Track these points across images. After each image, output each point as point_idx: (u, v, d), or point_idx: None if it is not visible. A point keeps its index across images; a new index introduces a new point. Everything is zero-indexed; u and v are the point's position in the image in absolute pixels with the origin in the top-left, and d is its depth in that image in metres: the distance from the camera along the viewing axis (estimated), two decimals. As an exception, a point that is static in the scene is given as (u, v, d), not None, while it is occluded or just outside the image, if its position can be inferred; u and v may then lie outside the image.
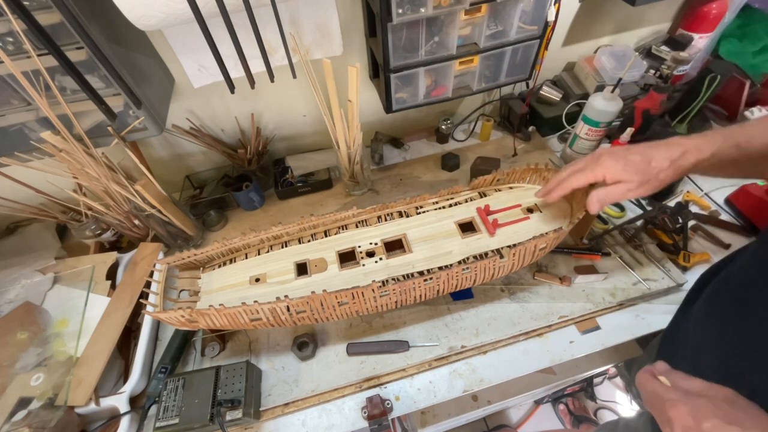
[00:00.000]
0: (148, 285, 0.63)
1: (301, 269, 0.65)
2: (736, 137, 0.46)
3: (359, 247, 0.67)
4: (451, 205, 0.71)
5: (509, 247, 0.60)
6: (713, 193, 0.84)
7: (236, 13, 0.53)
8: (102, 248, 0.85)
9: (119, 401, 0.62)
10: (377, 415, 0.60)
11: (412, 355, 0.66)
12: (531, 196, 0.71)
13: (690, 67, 0.98)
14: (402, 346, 0.66)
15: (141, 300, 0.67)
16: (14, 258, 0.82)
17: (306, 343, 0.67)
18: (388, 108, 0.83)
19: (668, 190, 0.84)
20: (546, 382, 0.96)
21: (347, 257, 0.66)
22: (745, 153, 0.46)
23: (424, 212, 0.71)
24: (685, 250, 0.74)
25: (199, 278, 0.67)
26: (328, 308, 0.58)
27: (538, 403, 1.42)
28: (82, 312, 0.71)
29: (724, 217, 0.80)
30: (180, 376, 0.59)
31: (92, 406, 0.61)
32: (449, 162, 0.94)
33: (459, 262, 0.61)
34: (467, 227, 0.67)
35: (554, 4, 0.72)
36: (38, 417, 0.58)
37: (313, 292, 0.55)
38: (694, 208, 0.81)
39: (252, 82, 0.62)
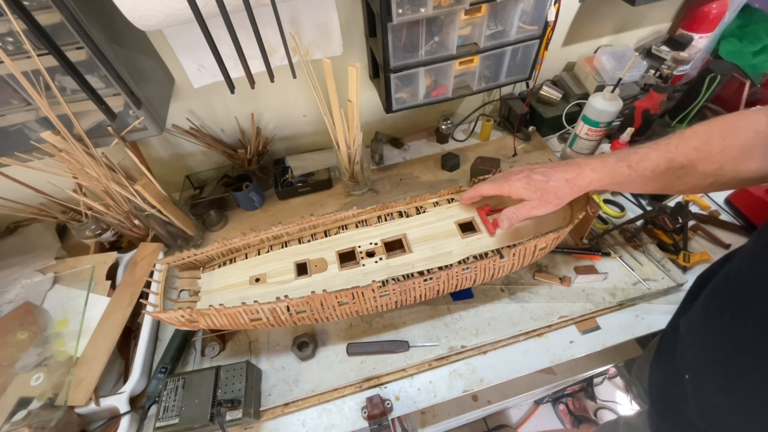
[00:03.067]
0: (148, 285, 0.63)
1: (301, 269, 0.65)
2: (629, 158, 0.52)
3: (359, 247, 0.67)
4: (449, 201, 0.71)
5: (509, 247, 0.60)
6: (713, 193, 0.84)
7: (236, 13, 0.53)
8: (102, 248, 0.85)
9: (119, 401, 0.62)
10: (377, 415, 0.60)
11: (412, 355, 0.66)
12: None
13: (690, 67, 0.98)
14: (402, 346, 0.66)
15: (141, 300, 0.67)
16: (14, 258, 0.82)
17: (306, 343, 0.67)
18: (388, 108, 0.83)
19: (668, 190, 0.84)
20: (546, 382, 0.96)
21: (347, 257, 0.66)
22: (638, 172, 0.52)
23: (424, 212, 0.71)
24: (685, 250, 0.74)
25: (199, 278, 0.67)
26: (328, 308, 0.58)
27: (538, 403, 1.42)
28: (82, 312, 0.71)
29: (724, 217, 0.80)
30: (180, 376, 0.59)
31: (92, 406, 0.61)
32: (449, 162, 0.94)
33: (459, 262, 0.61)
34: (467, 227, 0.67)
35: (554, 4, 0.72)
36: (38, 417, 0.58)
37: (313, 292, 0.55)
38: (694, 208, 0.81)
39: (252, 82, 0.62)
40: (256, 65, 0.61)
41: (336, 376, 0.65)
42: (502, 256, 0.59)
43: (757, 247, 0.41)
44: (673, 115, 0.92)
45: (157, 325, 0.74)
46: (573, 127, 0.90)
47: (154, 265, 0.65)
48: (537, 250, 0.61)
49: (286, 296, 0.55)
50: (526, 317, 0.68)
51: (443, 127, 0.99)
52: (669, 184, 0.53)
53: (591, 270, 0.72)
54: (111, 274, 0.77)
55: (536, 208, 0.56)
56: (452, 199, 0.72)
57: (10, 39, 0.52)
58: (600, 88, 0.87)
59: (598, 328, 0.68)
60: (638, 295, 0.69)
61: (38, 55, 0.52)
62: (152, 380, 0.64)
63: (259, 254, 0.69)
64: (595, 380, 1.41)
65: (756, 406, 0.38)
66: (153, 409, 0.62)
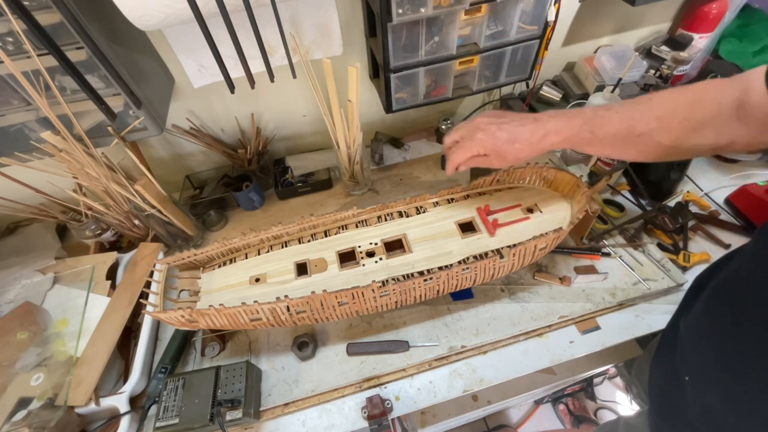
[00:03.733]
0: (148, 285, 0.63)
1: (301, 269, 0.65)
2: (593, 122, 0.53)
3: (359, 247, 0.67)
4: (449, 200, 0.71)
5: (509, 247, 0.60)
6: (713, 193, 0.84)
7: (236, 13, 0.53)
8: (102, 248, 0.85)
9: (119, 401, 0.62)
10: (377, 415, 0.60)
11: (412, 355, 0.66)
12: (531, 196, 0.71)
13: (690, 67, 0.98)
14: (402, 346, 0.66)
15: (141, 300, 0.67)
16: (14, 258, 0.82)
17: (306, 343, 0.67)
18: (388, 108, 0.83)
19: (668, 190, 0.84)
20: (546, 382, 0.96)
21: (347, 257, 0.66)
22: (598, 137, 0.53)
23: (424, 212, 0.71)
24: (685, 250, 0.74)
25: (199, 278, 0.67)
26: (328, 308, 0.58)
27: (538, 403, 1.42)
28: (82, 312, 0.71)
29: (724, 217, 0.80)
30: (180, 376, 0.59)
31: (92, 406, 0.61)
32: (449, 162, 0.94)
33: (459, 262, 0.61)
34: (467, 227, 0.67)
35: (554, 4, 0.72)
36: (38, 417, 0.58)
37: (313, 292, 0.55)
38: (694, 208, 0.81)
39: (252, 82, 0.63)
40: (256, 65, 0.61)
41: (336, 376, 0.65)
42: (502, 256, 0.59)
43: (757, 247, 0.41)
44: (673, 115, 0.92)
45: (157, 325, 0.74)
46: (573, 127, 0.90)
47: (154, 265, 0.65)
48: (537, 250, 0.61)
49: (286, 296, 0.55)
50: (526, 317, 0.68)
51: (443, 127, 0.99)
52: (624, 150, 0.54)
53: (591, 270, 0.72)
54: (111, 274, 0.77)
55: (493, 164, 0.59)
56: (452, 199, 0.73)
57: (10, 39, 0.52)
58: (600, 88, 0.87)
59: (598, 328, 0.68)
60: (638, 295, 0.69)
61: (38, 55, 0.53)
62: (152, 380, 0.64)
63: (259, 254, 0.69)
64: (595, 380, 1.41)
65: (756, 410, 0.38)
66: (153, 409, 0.62)
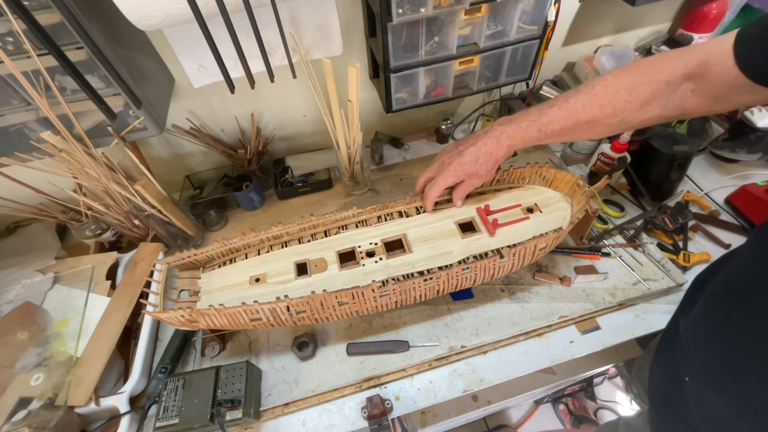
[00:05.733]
0: (148, 285, 0.63)
1: (301, 269, 0.65)
2: (538, 121, 0.57)
3: (359, 247, 0.67)
4: (449, 201, 0.71)
5: (509, 247, 0.60)
6: (713, 193, 0.84)
7: (236, 13, 0.53)
8: (102, 248, 0.85)
9: (119, 401, 0.62)
10: (377, 415, 0.60)
11: (412, 355, 0.66)
12: (531, 196, 0.71)
13: (690, 67, 0.98)
14: (402, 346, 0.66)
15: (141, 300, 0.67)
16: (14, 258, 0.82)
17: (306, 343, 0.67)
18: (388, 108, 0.83)
19: (668, 190, 0.84)
20: (546, 382, 0.96)
21: (347, 257, 0.66)
22: (546, 134, 0.58)
23: (424, 212, 0.71)
24: (685, 250, 0.74)
25: (199, 278, 0.67)
26: (328, 308, 0.58)
27: (538, 403, 1.42)
28: (82, 312, 0.71)
29: (724, 217, 0.80)
30: (180, 376, 0.59)
31: (92, 406, 0.61)
32: (449, 162, 0.94)
33: (459, 262, 0.61)
34: (467, 227, 0.67)
35: (554, 4, 0.72)
36: (38, 417, 0.58)
37: (313, 292, 0.55)
38: (694, 208, 0.81)
39: (252, 82, 0.62)
40: (256, 65, 0.61)
41: (336, 376, 0.65)
42: (502, 256, 0.59)
43: (755, 248, 0.40)
44: (673, 115, 0.92)
45: (157, 325, 0.74)
46: (573, 127, 0.90)
47: (154, 265, 0.65)
48: (537, 250, 0.61)
49: (286, 296, 0.55)
50: (526, 317, 0.68)
51: (443, 127, 0.99)
52: (576, 136, 0.59)
53: (591, 270, 0.72)
54: (111, 274, 0.77)
55: (474, 184, 0.66)
56: (452, 199, 0.72)
57: (10, 39, 0.52)
58: (600, 88, 0.87)
59: (598, 328, 0.68)
60: (638, 295, 0.69)
61: (38, 55, 0.52)
62: (152, 380, 0.64)
63: (259, 254, 0.69)
64: (595, 380, 1.41)
65: (755, 410, 0.38)
66: (153, 409, 0.62)
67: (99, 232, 0.82)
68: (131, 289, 0.74)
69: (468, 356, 0.67)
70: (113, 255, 0.79)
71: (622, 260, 0.74)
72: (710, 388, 0.44)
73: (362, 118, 0.94)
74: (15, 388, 0.62)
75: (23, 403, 0.60)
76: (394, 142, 1.04)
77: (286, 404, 0.64)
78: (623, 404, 1.38)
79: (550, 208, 0.68)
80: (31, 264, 0.80)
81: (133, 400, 0.64)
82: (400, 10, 0.64)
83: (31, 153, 0.64)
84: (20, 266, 0.79)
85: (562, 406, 1.39)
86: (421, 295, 0.62)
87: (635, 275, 0.71)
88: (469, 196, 0.73)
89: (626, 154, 0.81)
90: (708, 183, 0.86)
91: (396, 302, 0.61)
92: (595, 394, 1.40)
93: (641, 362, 0.76)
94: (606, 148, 0.82)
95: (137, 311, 0.73)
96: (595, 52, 0.99)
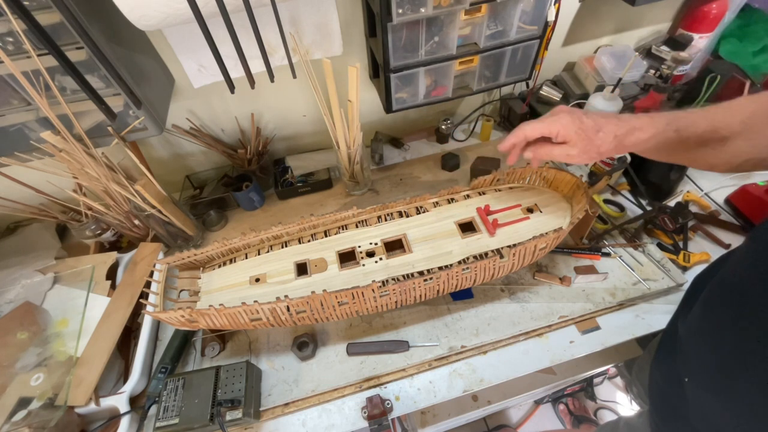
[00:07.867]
0: (148, 285, 0.63)
1: (301, 269, 0.65)
2: (678, 122, 0.49)
3: (359, 247, 0.67)
4: (449, 201, 0.71)
5: (509, 247, 0.60)
6: (713, 193, 0.84)
7: (236, 13, 0.53)
8: (102, 248, 0.85)
9: (119, 401, 0.62)
10: (377, 415, 0.60)
11: (412, 355, 0.66)
12: (531, 196, 0.71)
13: (690, 67, 0.98)
14: (402, 346, 0.66)
15: (141, 300, 0.67)
16: (14, 258, 0.82)
17: (306, 343, 0.67)
18: (388, 108, 0.83)
19: (668, 190, 0.84)
20: (546, 382, 0.96)
21: (347, 257, 0.66)
22: (682, 138, 0.48)
23: (424, 212, 0.71)
24: (685, 250, 0.74)
25: (199, 278, 0.67)
26: (328, 308, 0.58)
27: (538, 403, 1.42)
28: (82, 312, 0.71)
29: (724, 217, 0.79)
30: (180, 376, 0.59)
31: (92, 406, 0.61)
32: (449, 162, 0.94)
33: (459, 262, 0.61)
34: (467, 227, 0.67)
35: (554, 4, 0.72)
36: (38, 417, 0.58)
37: (313, 292, 0.55)
38: (694, 208, 0.81)
39: (252, 82, 0.62)
40: (256, 65, 0.61)
41: (336, 376, 0.65)
42: (502, 256, 0.59)
43: (753, 248, 0.40)
44: (673, 115, 0.92)
45: (157, 325, 0.74)
46: (573, 127, 0.90)
47: (154, 265, 0.65)
48: (537, 250, 0.61)
49: (286, 296, 0.55)
50: (526, 317, 0.68)
51: (443, 127, 0.99)
52: (704, 156, 0.50)
53: (591, 270, 0.72)
54: (111, 274, 0.77)
55: (574, 156, 0.52)
56: (452, 199, 0.72)
57: (10, 39, 0.52)
58: (600, 88, 0.87)
59: (598, 328, 0.68)
60: (638, 295, 0.69)
61: (38, 55, 0.53)
62: (152, 380, 0.64)
63: (259, 254, 0.69)
64: (595, 380, 1.41)
65: (754, 411, 0.38)
66: (153, 409, 0.62)
67: (99, 232, 0.82)
68: (131, 289, 0.74)
69: (468, 356, 0.67)
70: (113, 255, 0.79)
71: (622, 260, 0.74)
72: (709, 389, 0.44)
73: (362, 118, 0.94)
74: (15, 388, 0.62)
75: (23, 403, 0.60)
76: (394, 142, 1.04)
77: (286, 404, 0.64)
78: (623, 404, 1.38)
79: (550, 208, 0.68)
80: (31, 264, 0.80)
81: (133, 400, 0.64)
82: (400, 10, 0.64)
83: (31, 153, 0.64)
84: (20, 266, 0.79)
85: (562, 406, 1.39)
86: (421, 295, 0.62)
87: (635, 275, 0.71)
88: (468, 196, 0.73)
89: (626, 154, 0.81)
90: (708, 183, 0.86)
91: (396, 302, 0.61)
92: (595, 394, 1.40)
93: (641, 362, 0.76)
94: (606, 148, 0.82)
95: (137, 311, 0.73)
96: (595, 52, 0.99)
